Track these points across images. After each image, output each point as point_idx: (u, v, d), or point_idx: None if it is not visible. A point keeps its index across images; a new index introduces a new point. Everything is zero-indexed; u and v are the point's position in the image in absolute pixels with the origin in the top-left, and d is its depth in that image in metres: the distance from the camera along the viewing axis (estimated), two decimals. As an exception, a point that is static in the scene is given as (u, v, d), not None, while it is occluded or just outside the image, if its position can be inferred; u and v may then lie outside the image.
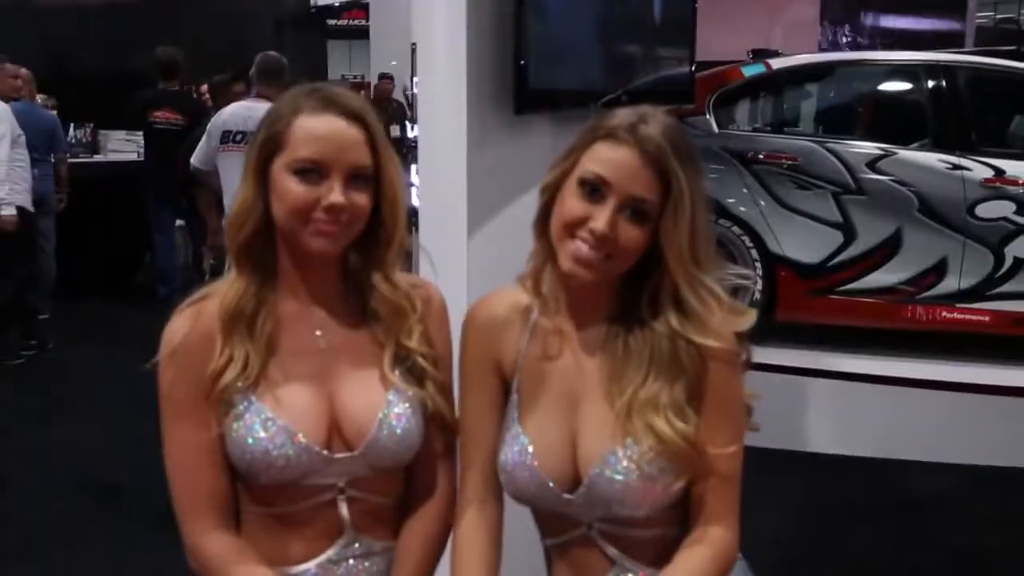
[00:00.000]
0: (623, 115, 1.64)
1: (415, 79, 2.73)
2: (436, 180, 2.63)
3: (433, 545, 1.78)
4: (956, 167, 5.65)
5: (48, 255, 7.57)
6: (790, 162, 5.87)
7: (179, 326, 1.68)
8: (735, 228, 5.83)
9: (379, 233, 1.70)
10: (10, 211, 6.75)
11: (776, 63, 6.46)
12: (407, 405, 1.70)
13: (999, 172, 5.61)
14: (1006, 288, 5.63)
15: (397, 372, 1.72)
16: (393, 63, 13.47)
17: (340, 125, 1.63)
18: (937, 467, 5.08)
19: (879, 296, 5.79)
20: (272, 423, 1.64)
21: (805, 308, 5.92)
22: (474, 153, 2.57)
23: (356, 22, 18.65)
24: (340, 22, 19.01)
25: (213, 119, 6.07)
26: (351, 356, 1.72)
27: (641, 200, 1.61)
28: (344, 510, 1.70)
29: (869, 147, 5.88)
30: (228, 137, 5.81)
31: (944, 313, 5.72)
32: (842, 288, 5.84)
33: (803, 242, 5.85)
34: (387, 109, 11.14)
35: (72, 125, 9.02)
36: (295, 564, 1.71)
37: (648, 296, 1.68)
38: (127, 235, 8.87)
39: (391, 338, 1.72)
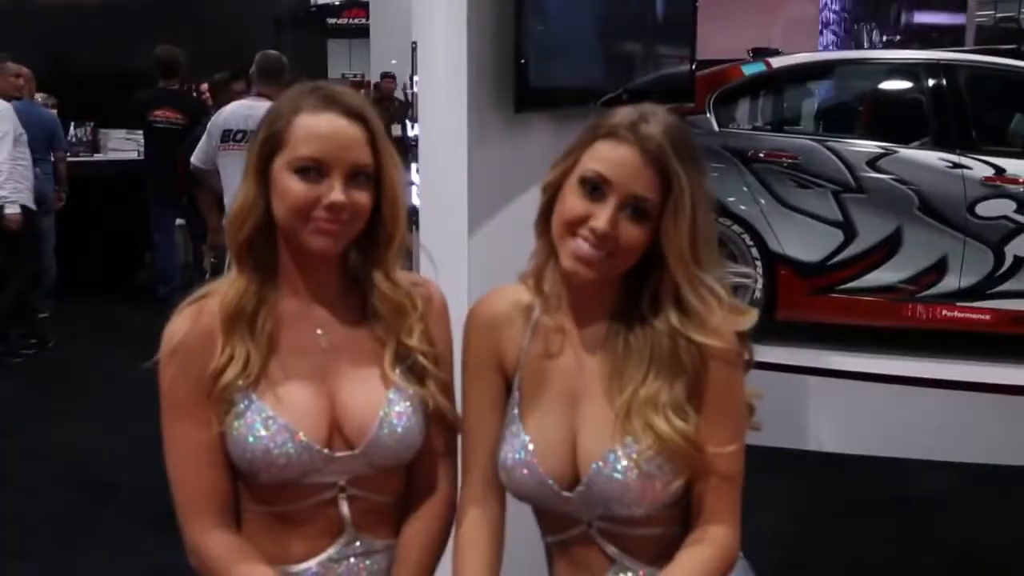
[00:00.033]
0: (624, 113, 1.64)
1: (415, 78, 2.73)
2: (436, 178, 2.63)
3: (434, 543, 1.78)
4: (956, 165, 5.66)
5: (48, 254, 7.58)
6: (790, 161, 5.87)
7: (180, 325, 1.68)
8: (735, 227, 5.84)
9: (379, 232, 1.70)
10: (14, 210, 6.77)
11: (776, 62, 6.46)
12: (408, 404, 1.70)
13: (999, 170, 5.61)
14: (1006, 287, 5.63)
15: (398, 370, 1.71)
16: (393, 62, 13.49)
17: (341, 124, 1.63)
18: (937, 465, 5.08)
19: (879, 295, 5.80)
20: (273, 422, 1.64)
21: (805, 307, 5.92)
22: (474, 151, 2.57)
23: (356, 21, 18.68)
24: (340, 21, 19.04)
25: (213, 118, 6.08)
26: (352, 355, 1.72)
27: (642, 199, 1.61)
28: (345, 508, 1.70)
29: (869, 146, 5.88)
30: (228, 136, 5.82)
31: (944, 312, 5.72)
32: (842, 287, 5.84)
33: (803, 241, 5.85)
34: (389, 108, 11.15)
35: (72, 124, 9.02)
36: (296, 563, 1.71)
37: (649, 294, 1.68)
38: (127, 234, 8.88)
39: (392, 336, 1.72)
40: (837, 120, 6.68)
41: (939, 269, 5.69)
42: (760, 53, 6.89)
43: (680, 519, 1.72)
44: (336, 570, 1.71)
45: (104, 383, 6.41)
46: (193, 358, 1.65)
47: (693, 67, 4.51)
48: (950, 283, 5.69)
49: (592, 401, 1.70)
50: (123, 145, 9.16)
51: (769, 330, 5.31)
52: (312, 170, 1.61)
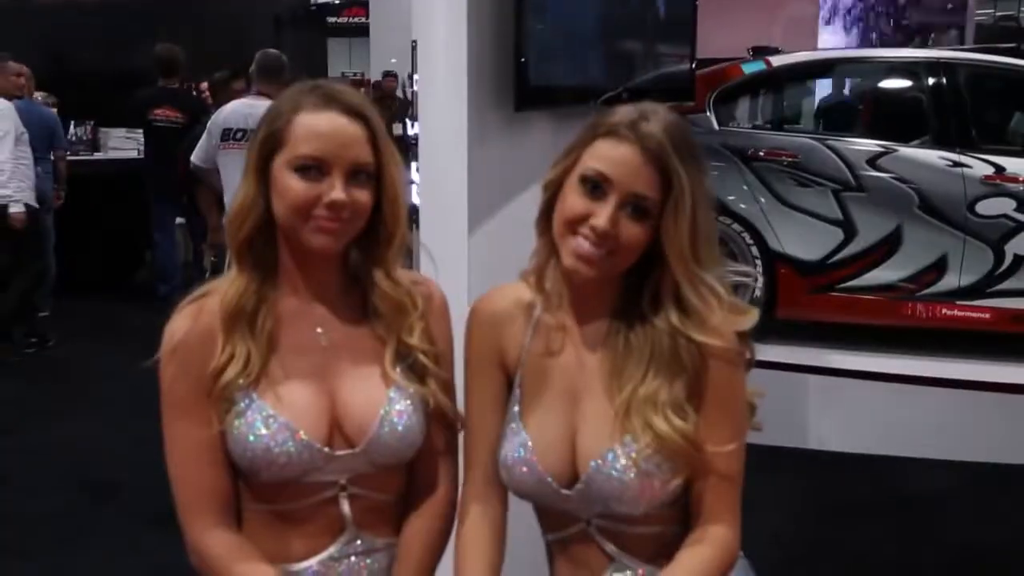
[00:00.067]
0: (625, 112, 1.64)
1: (415, 76, 2.73)
2: (437, 177, 2.63)
3: (435, 542, 1.78)
4: (956, 164, 5.65)
5: (48, 252, 7.58)
6: (790, 159, 5.87)
7: (180, 324, 1.68)
8: (735, 225, 5.84)
9: (380, 230, 1.70)
10: (19, 208, 6.79)
11: (776, 60, 6.45)
12: (408, 402, 1.70)
13: (999, 169, 5.61)
14: (1006, 285, 5.63)
15: (398, 369, 1.71)
16: (393, 61, 13.51)
17: (341, 122, 1.63)
18: (937, 464, 5.08)
19: (879, 293, 5.79)
20: (273, 420, 1.64)
21: (805, 305, 5.92)
22: (474, 150, 2.57)
23: (356, 19, 18.69)
24: (340, 20, 19.05)
25: (213, 117, 6.09)
26: (352, 353, 1.72)
27: (642, 197, 1.61)
28: (345, 507, 1.70)
29: (869, 144, 5.88)
30: (228, 135, 5.82)
31: (944, 310, 5.72)
32: (842, 285, 5.84)
33: (803, 239, 5.85)
34: (390, 106, 11.16)
35: (72, 123, 9.03)
36: (297, 561, 1.71)
37: (650, 293, 1.68)
38: (127, 233, 8.89)
39: (392, 335, 1.72)
40: (837, 119, 6.67)
41: (939, 268, 5.69)
42: (760, 52, 6.88)
43: (679, 518, 1.72)
44: (337, 569, 1.71)
45: (104, 382, 6.42)
46: (193, 357, 1.65)
47: (693, 66, 4.51)
48: (950, 282, 5.69)
49: (592, 399, 1.70)
50: (123, 144, 9.16)
51: (769, 329, 5.31)
52: (312, 169, 1.61)
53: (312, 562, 1.70)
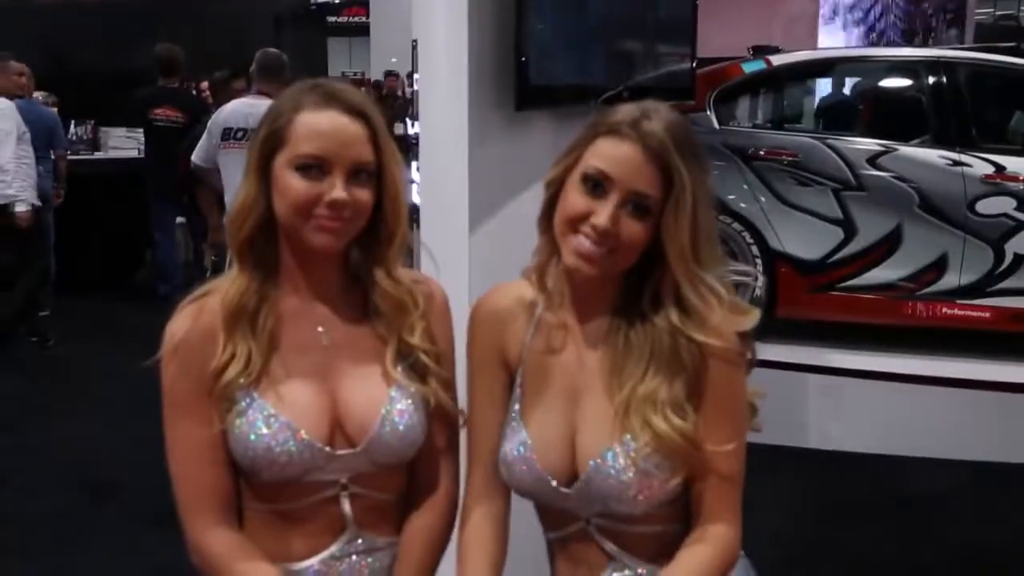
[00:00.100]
0: (626, 110, 1.64)
1: (415, 76, 2.73)
2: (437, 176, 2.63)
3: (436, 541, 1.78)
4: (956, 163, 5.65)
5: (48, 251, 7.59)
6: (790, 158, 5.87)
7: (181, 323, 1.68)
8: (735, 224, 5.84)
9: (381, 229, 1.70)
10: (25, 207, 6.82)
11: (776, 59, 6.45)
12: (409, 401, 1.70)
13: (999, 168, 5.61)
14: (1006, 284, 5.63)
15: (399, 368, 1.71)
16: (393, 60, 13.54)
17: (342, 121, 1.63)
18: (937, 464, 5.08)
19: (879, 292, 5.79)
20: (274, 419, 1.64)
21: (806, 304, 5.92)
22: (475, 149, 2.57)
23: (356, 19, 18.71)
24: (340, 19, 19.08)
25: (214, 116, 6.09)
26: (353, 352, 1.72)
27: (643, 196, 1.61)
28: (346, 506, 1.70)
29: (869, 143, 5.88)
30: (229, 134, 5.83)
31: (944, 309, 5.72)
32: (842, 284, 5.84)
33: (803, 238, 5.85)
34: (392, 105, 11.18)
35: (73, 122, 9.02)
36: (298, 560, 1.71)
37: (650, 292, 1.68)
38: (128, 232, 8.88)
39: (393, 334, 1.72)
40: (837, 118, 6.68)
41: (939, 267, 5.69)
42: (760, 51, 6.88)
43: (679, 517, 1.72)
44: (338, 568, 1.71)
45: (104, 381, 6.41)
46: (194, 356, 1.65)
47: (694, 65, 4.51)
48: (950, 281, 5.69)
49: (592, 397, 1.70)
50: (123, 143, 9.16)
51: (769, 328, 5.30)
52: (313, 168, 1.61)
53: (313, 561, 1.70)
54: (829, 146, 5.85)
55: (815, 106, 6.87)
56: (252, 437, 1.63)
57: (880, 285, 5.78)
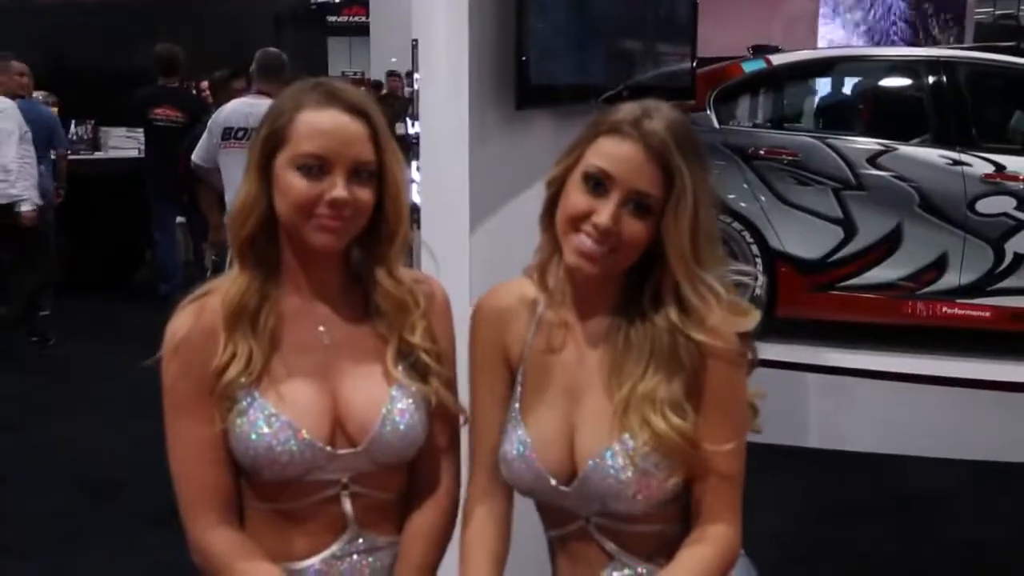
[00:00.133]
0: (628, 109, 1.64)
1: (416, 75, 2.73)
2: (438, 176, 2.63)
3: (437, 540, 1.78)
4: (956, 163, 5.65)
5: (50, 251, 7.59)
6: (790, 158, 5.87)
7: (182, 322, 1.68)
8: (735, 224, 5.83)
9: (382, 228, 1.70)
10: (30, 207, 6.83)
11: (776, 59, 6.45)
12: (410, 401, 1.70)
13: (999, 168, 5.61)
14: (1006, 284, 5.63)
15: (400, 368, 1.71)
16: (393, 60, 13.53)
17: (343, 120, 1.63)
18: (937, 463, 5.08)
19: (879, 292, 5.79)
20: (275, 419, 1.64)
21: (805, 304, 5.92)
22: (476, 148, 2.57)
23: (356, 19, 18.70)
24: (340, 19, 19.06)
25: (214, 116, 6.09)
26: (354, 352, 1.72)
27: (645, 195, 1.61)
28: (347, 506, 1.70)
29: (869, 143, 5.88)
30: (229, 134, 5.83)
31: (944, 309, 5.72)
32: (842, 284, 5.83)
33: (803, 238, 5.85)
34: (393, 105, 11.18)
35: (73, 122, 9.03)
36: (299, 560, 1.71)
37: (651, 291, 1.68)
38: (128, 232, 8.88)
39: (394, 333, 1.72)
40: (837, 117, 6.68)
41: (939, 266, 5.69)
42: (760, 50, 6.88)
43: (679, 516, 1.72)
44: (339, 567, 1.71)
45: (104, 381, 6.41)
46: (196, 355, 1.65)
47: (694, 64, 4.51)
48: (950, 280, 5.69)
49: (592, 396, 1.70)
50: (124, 143, 9.16)
51: (769, 327, 5.30)
52: (314, 167, 1.61)
53: (314, 560, 1.71)
54: (829, 145, 5.85)
55: (815, 105, 6.87)
56: (253, 436, 1.63)
57: (880, 284, 5.78)
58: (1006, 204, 5.58)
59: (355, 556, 1.72)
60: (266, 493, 1.70)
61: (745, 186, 5.88)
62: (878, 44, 13.46)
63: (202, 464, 1.67)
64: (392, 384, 1.70)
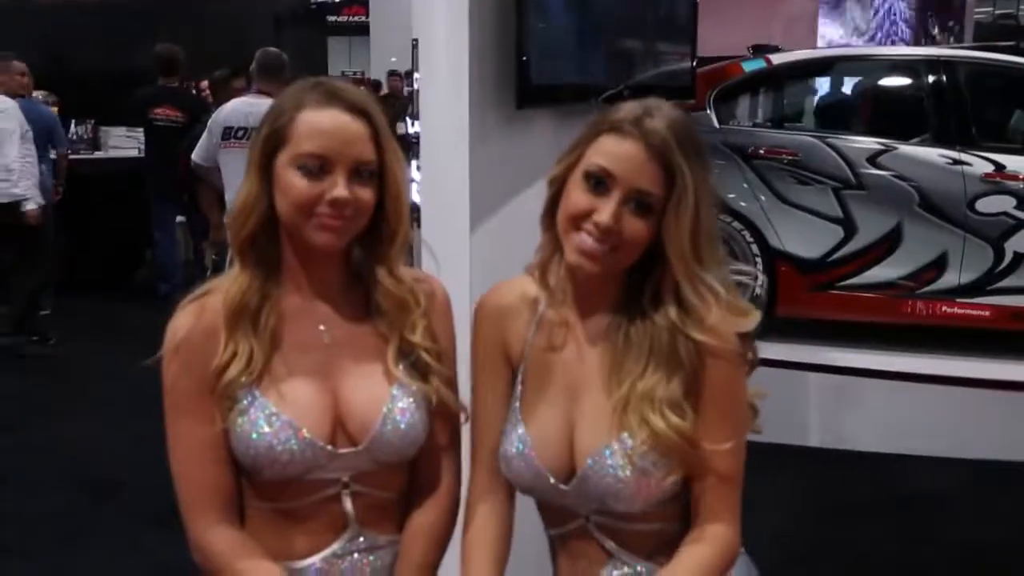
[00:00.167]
0: (629, 108, 1.64)
1: (416, 75, 2.73)
2: (438, 175, 2.63)
3: (437, 538, 1.78)
4: (956, 162, 5.65)
5: (51, 250, 7.60)
6: (790, 157, 5.87)
7: (183, 321, 1.68)
8: (735, 223, 5.83)
9: (383, 228, 1.70)
10: (33, 206, 6.85)
11: (776, 58, 6.46)
12: (411, 400, 1.70)
13: (999, 167, 5.61)
14: (1006, 283, 5.63)
15: (401, 367, 1.71)
16: (393, 59, 13.53)
17: (344, 119, 1.63)
18: (938, 462, 5.08)
19: (879, 291, 5.79)
20: (276, 418, 1.64)
21: (805, 303, 5.92)
22: (476, 148, 2.57)
23: (356, 18, 18.69)
24: (340, 18, 19.06)
25: (214, 115, 6.10)
26: (355, 351, 1.72)
27: (646, 193, 1.61)
28: (348, 505, 1.70)
29: (869, 142, 5.88)
30: (229, 133, 5.83)
31: (944, 308, 5.72)
32: (842, 283, 5.83)
33: (803, 237, 5.85)
34: (394, 105, 11.19)
35: (73, 122, 9.03)
36: (300, 559, 1.71)
37: (651, 289, 1.68)
38: (128, 232, 8.88)
39: (395, 332, 1.72)
40: (837, 116, 6.67)
41: (939, 265, 5.69)
42: (760, 49, 6.88)
43: (679, 515, 1.72)
44: (339, 566, 1.72)
45: (104, 381, 6.41)
46: (196, 355, 1.65)
47: (694, 64, 4.51)
48: (950, 279, 5.69)
49: (591, 394, 1.71)
50: (124, 143, 9.17)
51: (769, 327, 5.30)
52: (315, 166, 1.61)
53: (315, 559, 1.71)
54: (829, 145, 5.85)
55: (815, 105, 6.87)
56: (254, 436, 1.63)
57: (880, 284, 5.78)
58: (1006, 203, 5.58)
59: (356, 555, 1.72)
60: (267, 492, 1.70)
61: (745, 185, 5.88)
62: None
63: (203, 463, 1.67)
64: (393, 383, 1.70)
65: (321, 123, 1.62)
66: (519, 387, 1.76)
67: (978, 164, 5.62)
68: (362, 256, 1.74)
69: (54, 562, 4.14)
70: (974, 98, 5.96)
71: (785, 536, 4.25)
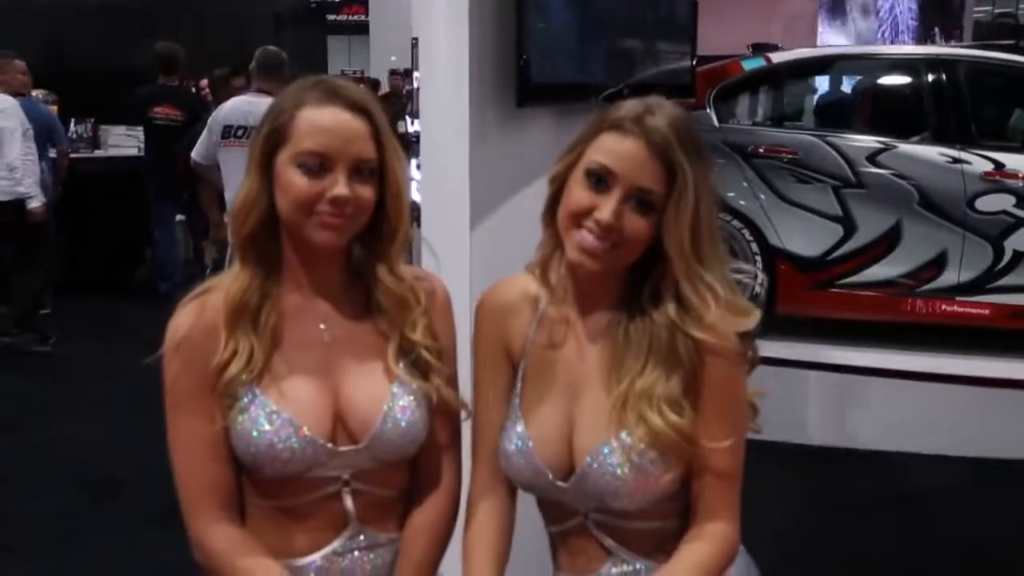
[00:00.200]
0: (630, 106, 1.64)
1: (416, 74, 2.73)
2: (438, 173, 2.63)
3: (437, 537, 1.78)
4: (956, 160, 5.65)
5: (51, 249, 7.61)
6: (790, 156, 5.87)
7: (183, 319, 1.68)
8: (735, 222, 5.83)
9: (383, 226, 1.70)
10: (37, 203, 6.86)
11: (776, 57, 6.45)
12: (411, 398, 1.71)
13: (999, 165, 5.61)
14: (1006, 281, 5.63)
15: (401, 365, 1.72)
16: (393, 58, 13.53)
17: (344, 117, 1.63)
18: (938, 460, 5.09)
19: (879, 289, 5.79)
20: (277, 416, 1.64)
21: (805, 302, 5.92)
22: (476, 146, 2.57)
23: (356, 17, 18.69)
24: (340, 17, 19.06)
25: (214, 114, 6.10)
26: (355, 349, 1.72)
27: (647, 191, 1.61)
28: (349, 502, 1.70)
29: (869, 141, 5.87)
30: (229, 132, 5.84)
31: (944, 306, 5.72)
32: (842, 281, 5.83)
33: (803, 236, 5.85)
34: (394, 103, 11.20)
35: (73, 120, 9.03)
36: (300, 556, 1.71)
37: (651, 287, 1.68)
38: (128, 230, 8.88)
39: (395, 331, 1.72)
40: (837, 115, 6.67)
41: (939, 264, 5.69)
42: (760, 48, 6.88)
43: (678, 513, 1.72)
44: (340, 563, 1.72)
45: (104, 380, 6.41)
46: (197, 352, 1.65)
47: (694, 62, 4.51)
48: (950, 278, 5.69)
49: (591, 392, 1.71)
50: (123, 141, 9.18)
51: (769, 325, 5.31)
52: (316, 164, 1.61)
53: (315, 557, 1.71)
54: (829, 143, 5.85)
55: (815, 103, 6.87)
56: (254, 434, 1.64)
57: (880, 282, 5.78)
58: (1005, 202, 5.58)
59: (356, 553, 1.73)
60: (267, 490, 1.70)
61: (745, 184, 5.88)
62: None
63: (203, 461, 1.67)
64: (393, 381, 1.70)
65: (321, 121, 1.62)
66: (519, 384, 1.76)
67: (978, 162, 5.62)
68: (362, 254, 1.74)
69: (54, 562, 4.14)
70: (974, 97, 5.96)
71: (785, 534, 4.26)
